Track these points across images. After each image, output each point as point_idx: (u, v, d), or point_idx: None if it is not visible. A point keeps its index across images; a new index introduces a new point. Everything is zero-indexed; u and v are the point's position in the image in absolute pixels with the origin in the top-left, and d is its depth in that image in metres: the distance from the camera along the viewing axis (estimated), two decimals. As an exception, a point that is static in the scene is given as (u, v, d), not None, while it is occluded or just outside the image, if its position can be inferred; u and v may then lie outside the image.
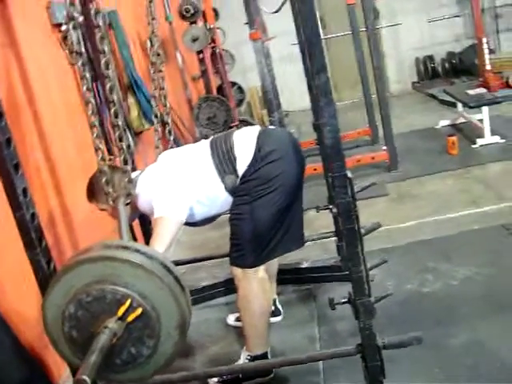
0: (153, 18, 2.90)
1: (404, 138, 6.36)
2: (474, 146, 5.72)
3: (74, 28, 2.10)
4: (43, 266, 2.16)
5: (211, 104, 5.49)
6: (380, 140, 6.26)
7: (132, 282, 1.76)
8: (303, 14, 1.81)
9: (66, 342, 1.85)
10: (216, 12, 7.53)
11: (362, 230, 2.12)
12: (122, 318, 1.75)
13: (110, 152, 3.76)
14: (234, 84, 8.28)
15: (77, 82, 3.72)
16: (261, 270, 2.60)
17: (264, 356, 2.69)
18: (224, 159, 2.54)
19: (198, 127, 5.64)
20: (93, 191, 2.65)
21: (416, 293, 3.20)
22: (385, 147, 5.57)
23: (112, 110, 2.38)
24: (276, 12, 3.31)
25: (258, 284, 2.58)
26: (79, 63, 2.13)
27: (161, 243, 2.30)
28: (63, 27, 3.51)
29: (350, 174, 1.96)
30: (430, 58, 9.68)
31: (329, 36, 8.24)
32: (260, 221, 2.51)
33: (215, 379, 2.74)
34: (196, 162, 2.63)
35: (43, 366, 2.68)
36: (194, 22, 5.52)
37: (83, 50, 2.15)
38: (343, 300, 2.20)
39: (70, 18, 2.06)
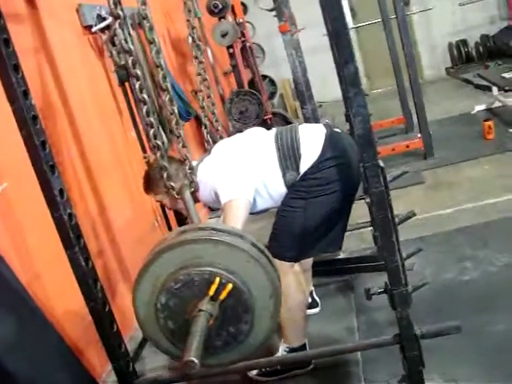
0: (189, 11, 2.92)
1: (439, 125, 6.29)
2: (510, 130, 5.60)
3: (120, 27, 2.11)
4: (82, 264, 2.20)
5: (243, 98, 5.50)
6: (415, 127, 6.20)
7: (216, 260, 1.76)
8: (329, 6, 1.80)
9: (164, 335, 1.86)
10: (244, 6, 7.54)
11: (397, 219, 2.10)
12: (214, 298, 1.75)
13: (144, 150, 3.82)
14: (265, 77, 8.27)
15: (109, 83, 3.78)
16: (296, 264, 2.60)
17: (302, 348, 2.70)
18: (289, 155, 2.53)
19: (231, 121, 5.66)
20: (150, 184, 2.70)
21: (455, 281, 3.16)
22: (419, 135, 5.51)
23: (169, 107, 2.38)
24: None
25: (293, 277, 2.58)
26: (130, 62, 2.13)
27: (235, 225, 2.28)
28: (94, 26, 3.57)
29: (381, 163, 1.95)
30: (464, 42, 9.53)
31: (359, 25, 8.18)
32: (311, 219, 2.51)
33: (254, 372, 2.76)
34: (258, 152, 2.61)
35: (86, 362, 2.74)
36: (223, 17, 5.53)
37: (132, 47, 2.14)
38: (379, 290, 2.19)
39: (116, 17, 2.06)
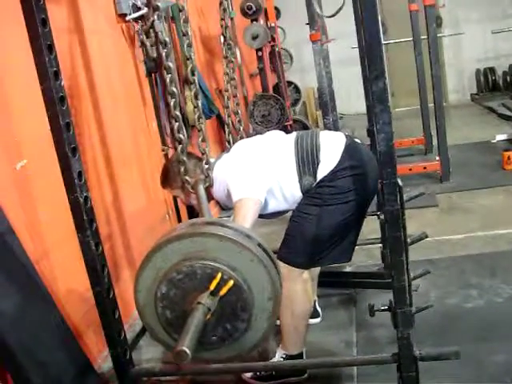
0: (224, 10, 2.94)
1: (458, 150, 6.27)
2: (530, 163, 5.57)
3: (159, 18, 2.14)
4: (92, 248, 2.22)
5: (266, 102, 5.52)
6: (434, 150, 6.20)
7: (221, 256, 1.78)
8: (366, 19, 1.81)
9: (161, 324, 1.88)
10: (278, 10, 7.56)
11: (408, 240, 2.11)
12: (214, 293, 1.77)
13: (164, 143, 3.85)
14: (290, 83, 8.29)
15: (137, 72, 3.80)
16: (305, 272, 2.60)
17: (299, 356, 2.69)
18: (307, 160, 2.53)
19: (252, 124, 5.67)
20: (167, 178, 2.72)
21: (459, 307, 3.15)
22: (438, 157, 5.50)
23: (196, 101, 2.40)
24: (331, 16, 3.30)
25: (301, 285, 2.58)
26: (164, 54, 2.15)
27: (243, 224, 2.27)
28: (128, 15, 3.60)
29: (400, 182, 1.95)
30: (492, 69, 9.49)
31: (389, 41, 8.17)
32: (324, 226, 2.51)
33: (249, 374, 2.76)
34: (276, 154, 2.62)
35: (84, 345, 2.76)
36: (256, 20, 5.55)
37: (167, 39, 2.16)
38: (383, 307, 2.19)
39: (155, 9, 2.09)
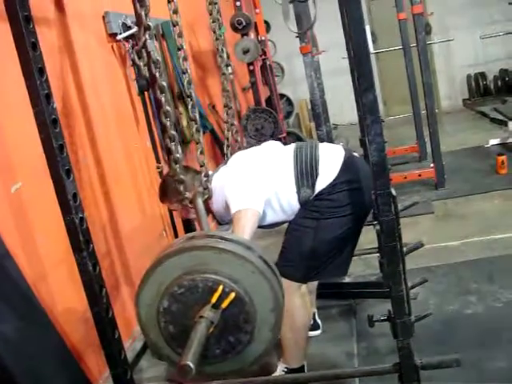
0: (218, 36, 2.96)
1: (452, 156, 6.31)
2: (524, 166, 5.60)
3: (151, 38, 2.13)
4: (89, 269, 2.22)
5: (260, 115, 5.52)
6: (428, 157, 6.22)
7: (221, 269, 1.77)
8: (353, 33, 1.83)
9: (164, 339, 1.87)
10: (267, 24, 7.60)
11: (404, 249, 2.11)
12: (217, 306, 1.76)
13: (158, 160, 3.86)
14: (283, 96, 8.33)
15: (129, 92, 3.81)
16: (303, 285, 2.60)
17: (301, 369, 2.69)
18: (306, 172, 2.53)
19: (246, 138, 5.68)
20: (165, 193, 2.73)
21: (458, 314, 3.16)
22: (432, 164, 5.52)
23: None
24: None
25: (299, 298, 2.57)
26: (157, 73, 2.15)
27: (243, 235, 2.26)
28: (119, 35, 3.61)
29: (394, 192, 1.96)
30: (482, 75, 9.56)
31: (379, 50, 8.23)
32: (320, 240, 2.51)
33: (252, 389, 2.75)
34: (275, 165, 2.62)
35: (84, 366, 2.75)
36: (246, 34, 5.57)
37: (159, 58, 2.17)
38: (382, 318, 2.19)
39: (146, 28, 2.09)
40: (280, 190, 2.55)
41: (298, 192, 2.53)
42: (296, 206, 2.56)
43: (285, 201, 2.57)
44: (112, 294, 3.02)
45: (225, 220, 2.71)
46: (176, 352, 1.87)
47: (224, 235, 1.88)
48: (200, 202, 2.42)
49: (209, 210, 2.65)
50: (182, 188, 2.34)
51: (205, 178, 2.50)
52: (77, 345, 2.74)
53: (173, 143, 2.25)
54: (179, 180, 2.32)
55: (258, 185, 2.48)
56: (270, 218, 2.62)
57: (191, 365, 1.60)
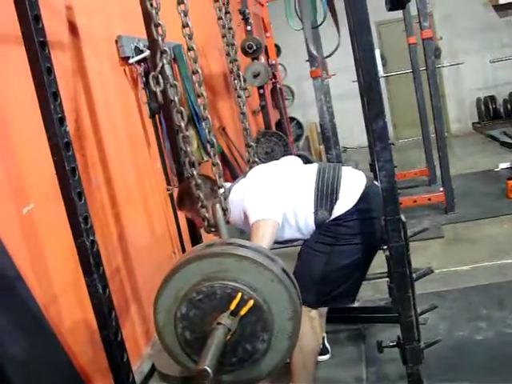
0: (235, 60, 2.98)
1: (462, 180, 6.30)
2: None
3: (168, 62, 2.14)
4: (99, 292, 2.23)
5: (269, 139, 5.55)
6: (438, 180, 6.21)
7: (240, 276, 1.77)
8: (363, 60, 1.84)
9: (180, 345, 1.86)
10: (278, 48, 7.66)
11: (414, 275, 2.11)
12: (235, 313, 1.75)
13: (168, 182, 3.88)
14: (292, 119, 8.36)
15: (140, 114, 3.85)
16: (313, 309, 2.59)
17: (309, 394, 2.68)
18: (326, 194, 2.52)
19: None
20: (183, 201, 2.74)
21: (468, 339, 3.13)
22: (442, 188, 5.51)
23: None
24: (327, 57, 3.35)
25: (309, 322, 2.56)
26: (176, 98, 2.16)
27: (261, 245, 2.21)
28: (131, 58, 3.66)
29: (403, 218, 1.97)
30: (492, 98, 9.56)
31: (389, 74, 8.27)
32: (332, 266, 2.51)
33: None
34: (296, 181, 2.63)
35: (93, 389, 2.75)
36: (257, 58, 5.62)
37: (177, 83, 2.18)
38: (392, 344, 2.19)
39: (163, 52, 2.11)
40: (298, 207, 2.54)
41: (315, 212, 2.52)
42: (311, 225, 2.55)
43: (301, 218, 2.56)
44: (121, 315, 3.03)
45: (243, 230, 2.69)
46: (192, 359, 1.87)
47: (244, 243, 1.88)
48: (219, 209, 2.39)
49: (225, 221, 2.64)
50: (201, 195, 2.29)
51: (222, 192, 2.41)
52: (85, 366, 2.73)
53: (195, 170, 2.23)
54: (197, 184, 2.28)
55: (277, 196, 2.47)
56: (286, 234, 2.61)
57: (209, 369, 1.59)
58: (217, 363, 1.65)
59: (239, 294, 1.75)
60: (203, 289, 1.77)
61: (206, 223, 2.28)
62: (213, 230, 2.31)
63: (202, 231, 2.61)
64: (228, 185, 2.61)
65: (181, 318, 1.81)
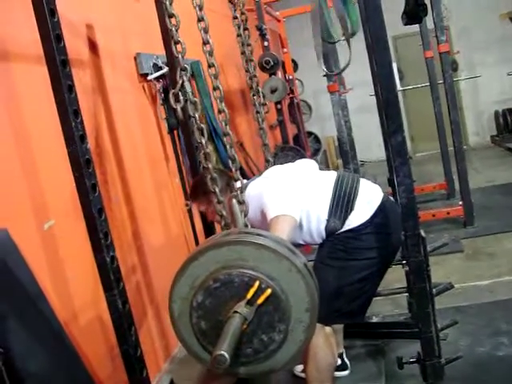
0: (254, 76, 2.99)
1: (481, 193, 6.26)
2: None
3: (188, 79, 2.15)
4: (119, 307, 2.24)
5: (287, 153, 5.54)
6: (456, 194, 6.17)
7: (259, 265, 1.74)
8: (381, 76, 1.85)
9: (195, 336, 1.83)
10: (295, 63, 7.69)
11: (434, 290, 2.10)
12: (251, 302, 1.72)
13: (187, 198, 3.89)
14: (310, 134, 8.37)
15: (159, 130, 3.88)
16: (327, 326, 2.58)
17: (329, 410, 2.65)
18: (342, 203, 2.50)
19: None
20: (197, 194, 2.74)
21: (489, 355, 3.09)
22: (461, 202, 5.48)
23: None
24: (338, 74, 3.35)
25: (324, 338, 2.54)
26: (197, 114, 2.17)
27: None
28: (150, 75, 3.69)
29: (423, 233, 1.96)
30: (510, 111, 9.51)
31: (406, 88, 8.26)
32: (343, 280, 2.49)
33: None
34: (314, 185, 2.62)
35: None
36: (274, 73, 5.65)
37: (197, 100, 2.19)
38: (412, 360, 2.17)
39: (183, 69, 2.12)
40: (312, 211, 2.53)
41: (328, 220, 2.51)
42: (322, 232, 2.54)
43: (314, 223, 2.55)
44: (140, 330, 3.04)
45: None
46: (206, 350, 1.84)
47: (262, 233, 1.86)
48: (236, 203, 2.37)
49: None
50: (216, 189, 2.22)
51: (239, 188, 2.36)
52: (104, 382, 2.74)
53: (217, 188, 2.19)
54: (213, 178, 2.22)
55: (295, 194, 2.44)
56: (297, 236, 2.58)
57: (226, 354, 1.57)
58: (233, 350, 1.62)
59: (257, 283, 1.72)
60: (220, 276, 1.75)
61: (222, 222, 2.26)
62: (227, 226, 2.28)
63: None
64: (244, 181, 2.59)
65: (197, 306, 1.78)
